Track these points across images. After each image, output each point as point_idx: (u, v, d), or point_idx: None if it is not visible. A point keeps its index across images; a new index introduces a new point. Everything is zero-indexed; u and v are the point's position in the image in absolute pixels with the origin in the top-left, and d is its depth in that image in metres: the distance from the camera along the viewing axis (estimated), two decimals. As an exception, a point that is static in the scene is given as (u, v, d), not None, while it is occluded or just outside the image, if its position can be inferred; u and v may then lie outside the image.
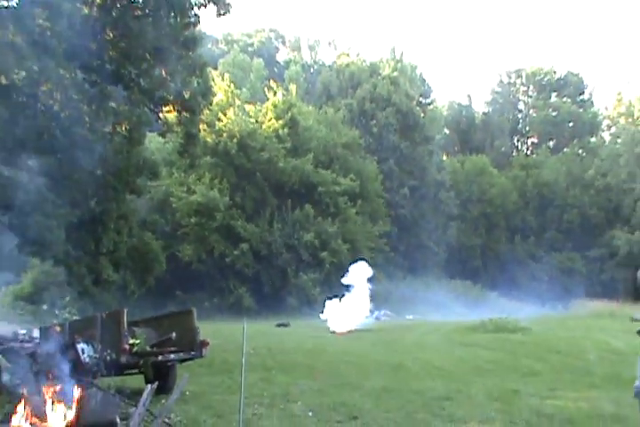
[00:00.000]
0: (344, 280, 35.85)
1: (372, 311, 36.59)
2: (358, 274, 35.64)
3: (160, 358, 14.62)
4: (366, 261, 37.92)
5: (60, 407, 9.66)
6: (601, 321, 36.09)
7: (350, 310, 34.07)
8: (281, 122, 51.77)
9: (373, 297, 36.10)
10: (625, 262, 60.44)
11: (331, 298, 35.95)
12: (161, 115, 25.71)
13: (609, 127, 75.61)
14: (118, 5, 22.88)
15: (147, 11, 23.20)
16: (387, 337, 28.81)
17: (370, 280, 35.65)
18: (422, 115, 64.51)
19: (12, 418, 9.56)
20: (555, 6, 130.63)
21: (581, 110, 78.83)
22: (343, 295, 35.63)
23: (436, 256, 61.65)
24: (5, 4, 20.06)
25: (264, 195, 50.20)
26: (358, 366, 19.82)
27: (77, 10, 20.91)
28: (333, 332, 32.17)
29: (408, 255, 58.55)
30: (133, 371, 14.88)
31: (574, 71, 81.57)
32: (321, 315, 35.64)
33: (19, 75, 20.28)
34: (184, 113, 25.45)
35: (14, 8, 19.89)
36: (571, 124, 78.35)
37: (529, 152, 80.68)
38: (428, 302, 45.66)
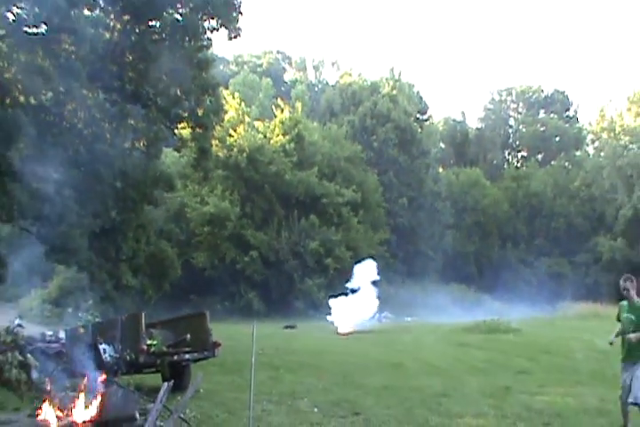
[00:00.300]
0: (349, 285, 35.74)
1: (373, 314, 36.43)
2: (364, 275, 35.50)
3: (176, 357, 14.68)
4: (373, 258, 37.95)
5: (84, 403, 9.72)
6: (586, 322, 36.09)
7: (357, 310, 33.93)
8: (288, 137, 51.83)
9: (379, 298, 35.99)
10: (608, 267, 60.38)
11: (336, 296, 35.82)
12: (176, 131, 25.79)
13: (593, 141, 75.55)
14: (137, 30, 22.99)
15: (163, 35, 23.31)
16: (387, 338, 28.82)
17: (374, 283, 35.60)
18: (419, 130, 64.52)
19: (40, 412, 9.62)
20: (542, 28, 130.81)
21: (567, 126, 78.87)
22: (347, 293, 35.51)
23: (433, 262, 61.55)
24: (35, 30, 20.20)
25: (272, 205, 50.23)
26: (360, 366, 19.84)
27: (100, 35, 21.07)
28: (339, 333, 32.19)
29: (407, 261, 58.48)
30: (151, 370, 14.94)
31: (560, 89, 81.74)
32: (328, 317, 35.54)
33: (46, 96, 20.41)
34: (197, 129, 25.53)
35: (43, 34, 20.03)
36: (557, 139, 78.36)
37: (519, 165, 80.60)
38: (426, 305, 45.58)
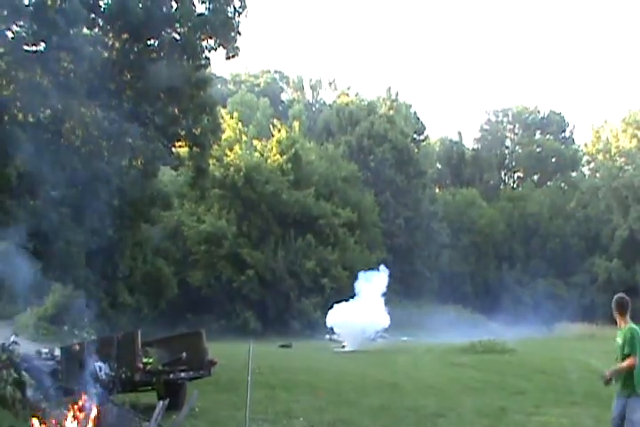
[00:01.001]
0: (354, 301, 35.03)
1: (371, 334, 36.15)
2: (372, 287, 34.86)
3: (171, 376, 14.62)
4: (385, 265, 37.54)
5: (79, 421, 9.66)
6: (582, 343, 36.01)
7: (366, 324, 33.38)
8: (285, 157, 51.89)
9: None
10: (604, 288, 60.33)
11: (339, 301, 35.20)
12: (174, 150, 25.86)
13: (588, 163, 75.77)
14: (135, 49, 23.13)
15: (161, 54, 23.45)
16: (383, 357, 28.73)
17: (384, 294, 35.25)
18: (416, 150, 64.66)
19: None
20: (539, 49, 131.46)
21: (563, 147, 79.05)
22: (347, 300, 34.93)
23: (430, 282, 61.41)
24: (34, 48, 20.31)
25: (269, 225, 50.21)
26: (356, 385, 19.76)
27: (98, 53, 21.19)
28: (344, 346, 32.09)
29: (403, 281, 58.28)
30: (146, 388, 14.88)
31: (556, 110, 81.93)
32: (335, 336, 35.22)
33: (44, 113, 20.48)
34: (195, 148, 25.62)
35: (41, 52, 20.14)
36: (553, 160, 78.53)
37: (515, 185, 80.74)
38: (422, 324, 45.50)
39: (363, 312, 33.55)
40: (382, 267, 36.86)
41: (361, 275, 36.49)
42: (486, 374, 22.60)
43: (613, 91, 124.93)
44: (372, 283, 35.09)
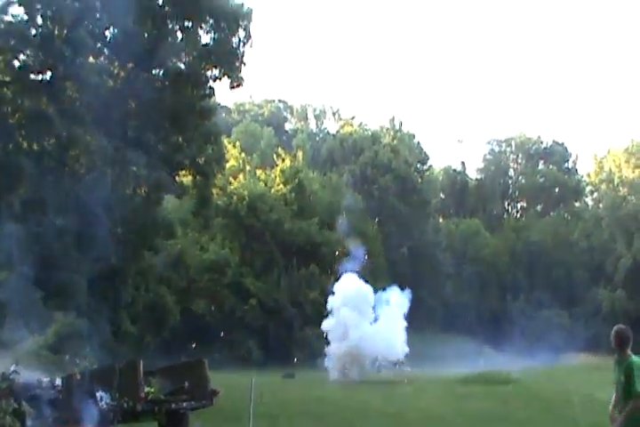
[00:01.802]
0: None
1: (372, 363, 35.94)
2: (393, 308, 34.35)
3: (173, 405, 14.47)
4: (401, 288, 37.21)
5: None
6: (587, 374, 35.75)
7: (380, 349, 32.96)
8: (288, 186, 52.01)
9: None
10: (608, 318, 60.00)
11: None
12: (177, 178, 25.90)
13: (592, 193, 76.05)
14: (140, 78, 23.24)
15: (166, 83, 23.58)
16: (386, 387, 28.53)
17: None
18: (420, 180, 64.81)
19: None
20: (541, 79, 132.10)
21: (566, 177, 79.06)
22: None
23: (433, 312, 61.16)
24: (40, 77, 20.45)
25: (272, 254, 50.14)
26: (359, 415, 19.59)
27: (104, 82, 21.30)
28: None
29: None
30: (148, 418, 14.73)
31: (559, 141, 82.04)
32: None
33: (49, 141, 20.55)
34: (199, 177, 25.67)
35: (47, 81, 20.28)
36: (557, 190, 78.55)
37: (519, 215, 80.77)
38: (426, 354, 45.16)
39: (379, 338, 33.32)
40: (407, 291, 36.35)
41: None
42: (490, 405, 22.40)
43: (616, 121, 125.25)
44: (391, 303, 34.63)
